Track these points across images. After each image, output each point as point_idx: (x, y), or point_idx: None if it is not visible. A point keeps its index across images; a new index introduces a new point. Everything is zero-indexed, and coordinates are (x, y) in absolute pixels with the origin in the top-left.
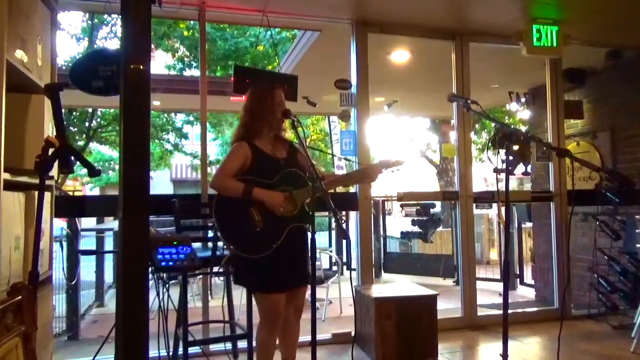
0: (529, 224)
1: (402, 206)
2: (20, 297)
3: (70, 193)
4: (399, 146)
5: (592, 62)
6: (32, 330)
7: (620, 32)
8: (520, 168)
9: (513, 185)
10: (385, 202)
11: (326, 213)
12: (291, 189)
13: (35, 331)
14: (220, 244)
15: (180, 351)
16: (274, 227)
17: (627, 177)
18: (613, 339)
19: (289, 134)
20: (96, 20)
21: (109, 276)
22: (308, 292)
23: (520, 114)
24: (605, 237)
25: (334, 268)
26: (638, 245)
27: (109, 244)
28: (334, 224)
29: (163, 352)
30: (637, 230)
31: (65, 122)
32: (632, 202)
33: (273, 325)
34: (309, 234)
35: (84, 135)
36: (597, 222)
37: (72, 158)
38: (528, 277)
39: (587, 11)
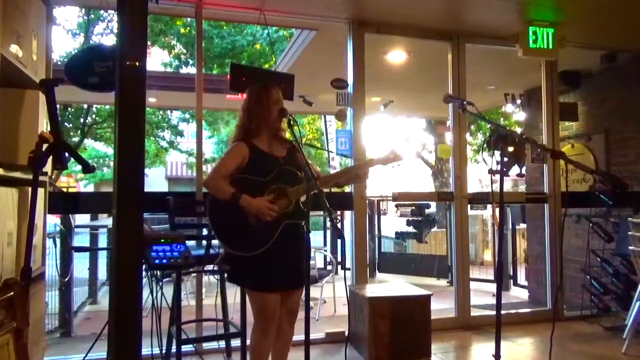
0: (523, 225)
1: (397, 206)
2: (12, 293)
3: (64, 189)
4: (395, 144)
5: (588, 65)
6: (23, 326)
7: (616, 35)
8: (514, 169)
9: (507, 186)
10: (381, 202)
11: (321, 212)
12: (286, 186)
13: (27, 328)
14: (214, 242)
15: (174, 349)
16: (267, 224)
17: (620, 179)
18: (605, 340)
19: (288, 134)
20: (92, 16)
21: (102, 273)
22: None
23: (516, 115)
24: (598, 239)
25: (329, 267)
26: (630, 247)
27: (102, 241)
28: (329, 224)
29: (156, 350)
30: (629, 233)
31: (60, 118)
32: (625, 204)
33: (266, 327)
34: (307, 235)
35: (79, 132)
36: (591, 224)
37: (67, 154)
38: (521, 278)
39: (583, 14)
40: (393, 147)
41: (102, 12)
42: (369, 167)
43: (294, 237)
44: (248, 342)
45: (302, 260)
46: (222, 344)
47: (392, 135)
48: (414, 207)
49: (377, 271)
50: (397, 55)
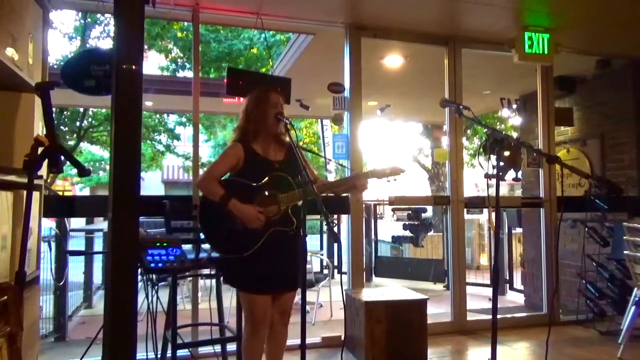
0: (519, 230)
1: (393, 210)
2: (6, 297)
3: (60, 193)
4: (394, 153)
5: (583, 70)
6: (17, 331)
7: (610, 41)
8: (510, 174)
9: (504, 190)
10: (377, 206)
11: (317, 216)
12: (278, 192)
13: (20, 332)
14: (204, 245)
15: (169, 354)
16: (253, 230)
17: (615, 184)
18: (600, 344)
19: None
20: (89, 20)
21: (97, 277)
22: (297, 297)
23: (512, 120)
24: (594, 244)
25: (325, 271)
26: (625, 252)
27: (98, 245)
28: (325, 227)
29: (151, 355)
30: (624, 237)
31: (55, 122)
32: (620, 209)
33: (255, 327)
34: (303, 238)
35: (75, 135)
36: (586, 229)
37: (62, 157)
38: (517, 283)
39: (578, 20)
40: (394, 162)
41: (98, 15)
42: (366, 179)
43: (282, 242)
44: None
45: (292, 264)
46: (218, 348)
47: (390, 142)
48: (410, 211)
49: (373, 275)
50: (393, 60)
